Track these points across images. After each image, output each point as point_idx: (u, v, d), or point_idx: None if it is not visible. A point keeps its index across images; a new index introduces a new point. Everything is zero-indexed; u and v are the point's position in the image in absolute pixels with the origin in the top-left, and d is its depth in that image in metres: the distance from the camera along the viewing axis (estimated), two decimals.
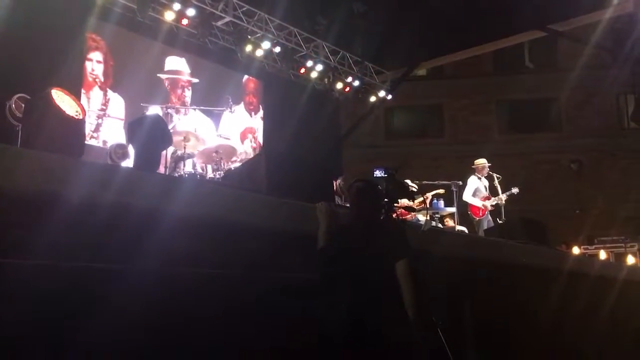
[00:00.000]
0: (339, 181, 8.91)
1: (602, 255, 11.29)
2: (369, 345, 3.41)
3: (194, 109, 11.02)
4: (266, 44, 11.01)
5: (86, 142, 7.98)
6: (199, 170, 9.54)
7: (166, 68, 10.79)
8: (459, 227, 9.70)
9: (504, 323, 5.73)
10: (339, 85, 12.79)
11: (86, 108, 9.05)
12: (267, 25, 10.97)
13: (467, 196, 9.90)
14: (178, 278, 3.46)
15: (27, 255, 2.88)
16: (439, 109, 19.08)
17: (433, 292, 4.26)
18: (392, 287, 3.50)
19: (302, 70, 12.09)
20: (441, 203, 10.23)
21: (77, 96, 8.01)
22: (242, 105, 12.12)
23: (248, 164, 7.00)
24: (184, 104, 10.95)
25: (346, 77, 12.75)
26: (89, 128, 9.14)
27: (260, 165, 5.50)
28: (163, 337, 3.28)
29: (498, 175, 10.15)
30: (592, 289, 7.32)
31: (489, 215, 9.95)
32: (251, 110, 12.35)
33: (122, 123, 9.76)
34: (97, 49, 9.75)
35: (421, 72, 17.09)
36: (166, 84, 10.81)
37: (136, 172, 4.94)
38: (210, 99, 11.32)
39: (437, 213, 10.19)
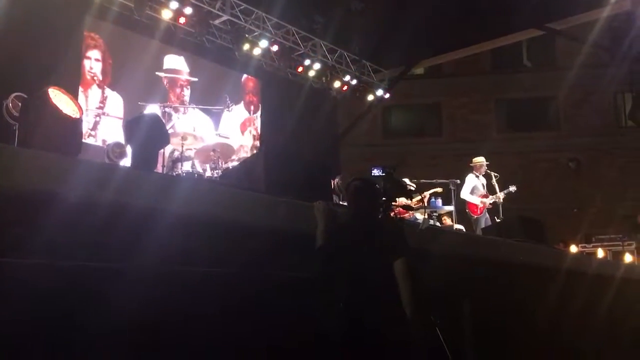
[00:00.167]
0: (336, 180, 8.91)
1: (600, 253, 11.29)
2: (366, 344, 3.41)
3: (193, 108, 11.02)
4: (264, 43, 11.01)
5: (84, 140, 7.98)
6: (197, 170, 9.52)
7: (165, 67, 10.79)
8: (457, 226, 9.71)
9: (502, 321, 5.74)
10: (337, 84, 12.79)
11: (84, 106, 9.05)
12: (264, 24, 10.97)
13: (464, 194, 9.91)
14: (176, 276, 3.46)
15: (25, 255, 2.88)
16: (437, 108, 19.09)
17: (431, 290, 4.26)
18: (390, 285, 3.50)
19: (300, 69, 12.09)
20: (439, 201, 10.25)
21: (74, 95, 7.99)
22: (242, 104, 12.12)
23: (246, 163, 6.99)
24: (182, 102, 10.95)
25: (344, 76, 12.76)
26: (86, 126, 9.13)
27: (258, 164, 5.49)
28: (161, 336, 3.28)
29: (496, 174, 10.15)
30: (590, 287, 7.33)
31: (487, 214, 9.95)
32: (251, 109, 12.35)
33: (120, 122, 9.75)
34: (95, 47, 9.74)
35: (419, 70, 17.07)
36: (165, 83, 10.80)
37: (133, 171, 4.94)
38: (209, 98, 11.31)
39: (435, 211, 10.21)
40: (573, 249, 11.15)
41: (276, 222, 4.11)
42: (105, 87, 9.80)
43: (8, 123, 6.34)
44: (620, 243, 11.79)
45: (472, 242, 7.03)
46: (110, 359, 3.10)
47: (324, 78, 12.45)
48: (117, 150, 8.63)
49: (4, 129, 6.24)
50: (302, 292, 3.79)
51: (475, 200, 9.89)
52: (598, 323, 7.25)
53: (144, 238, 3.26)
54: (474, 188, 9.96)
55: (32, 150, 3.64)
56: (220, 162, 9.72)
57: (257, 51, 11.15)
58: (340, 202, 7.39)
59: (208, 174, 9.51)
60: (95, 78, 9.70)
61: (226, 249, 3.74)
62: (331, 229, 3.74)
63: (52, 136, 4.86)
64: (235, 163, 10.61)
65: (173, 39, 10.43)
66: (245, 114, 12.18)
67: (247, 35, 10.77)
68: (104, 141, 9.29)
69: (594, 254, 11.27)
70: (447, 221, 10.35)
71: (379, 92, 13.61)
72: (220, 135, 11.40)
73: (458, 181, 9.89)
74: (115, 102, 9.90)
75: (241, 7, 10.52)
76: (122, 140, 7.94)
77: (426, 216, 8.73)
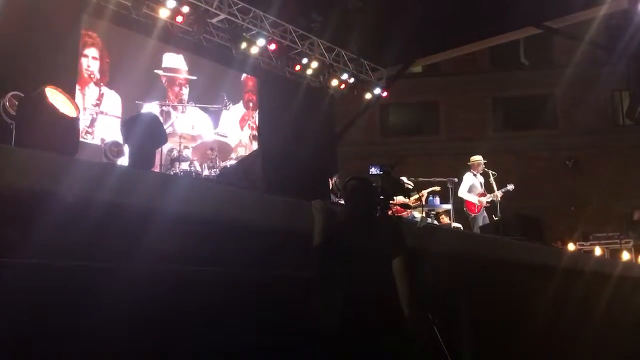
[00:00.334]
0: (334, 179, 8.91)
1: (598, 251, 11.31)
2: (365, 342, 3.41)
3: (192, 106, 11.02)
4: (261, 41, 11.00)
5: (81, 139, 7.96)
6: (194, 168, 9.53)
7: (164, 65, 10.79)
8: (455, 224, 9.72)
9: (500, 319, 5.74)
10: (334, 83, 12.79)
11: (81, 105, 9.04)
12: (262, 23, 10.96)
13: (462, 192, 9.91)
14: (174, 276, 3.45)
15: (21, 254, 2.87)
16: (435, 106, 19.10)
17: (429, 288, 4.26)
18: (387, 284, 3.50)
19: (298, 68, 12.08)
20: (437, 200, 10.26)
21: (71, 93, 7.97)
22: (240, 103, 12.13)
23: (244, 162, 6.98)
24: (181, 101, 10.95)
25: (341, 74, 12.75)
26: (83, 124, 9.12)
27: (256, 162, 5.49)
28: (159, 335, 3.28)
29: (494, 172, 10.16)
30: (587, 285, 7.33)
31: (485, 212, 9.96)
32: (250, 107, 12.35)
33: (118, 120, 9.74)
34: (92, 45, 9.72)
35: (417, 69, 17.08)
36: (164, 81, 10.80)
37: (131, 170, 4.93)
38: (208, 97, 11.32)
39: (433, 210, 10.22)
40: (571, 247, 11.16)
41: (274, 221, 4.11)
42: (102, 85, 9.79)
43: (5, 122, 6.32)
44: (617, 241, 11.82)
45: (470, 241, 7.03)
46: (109, 358, 3.10)
47: (321, 76, 12.45)
48: (114, 149, 8.62)
49: (1, 128, 6.22)
50: (300, 291, 3.78)
51: (472, 198, 9.89)
52: (596, 321, 7.26)
53: (141, 237, 3.26)
54: (471, 186, 9.97)
55: (29, 150, 3.63)
56: (217, 161, 9.73)
57: (254, 50, 11.15)
58: (338, 201, 7.39)
59: (205, 172, 9.51)
60: (92, 76, 9.68)
61: (224, 248, 3.73)
62: (329, 227, 3.73)
63: (49, 135, 4.85)
64: (233, 162, 10.62)
65: (171, 37, 10.41)
66: (244, 110, 12.20)
67: (244, 34, 10.76)
68: (102, 140, 9.28)
69: (592, 251, 11.28)
70: (445, 219, 10.35)
71: (377, 91, 13.60)
72: (218, 134, 11.41)
73: (456, 179, 9.89)
74: (113, 101, 9.89)
75: (238, 6, 10.51)
76: (119, 139, 7.93)
77: (424, 214, 8.73)
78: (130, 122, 6.09)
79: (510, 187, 10.07)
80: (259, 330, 3.70)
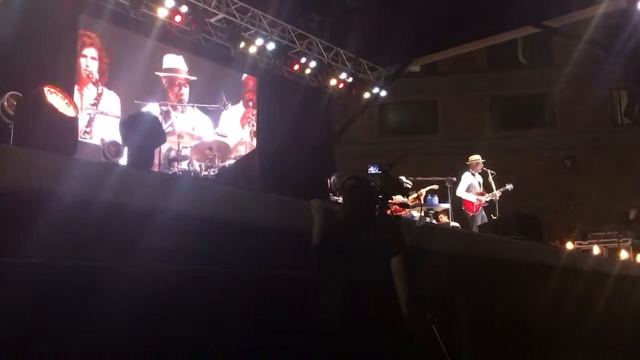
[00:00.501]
0: (332, 178, 8.91)
1: (596, 250, 11.32)
2: (364, 341, 3.41)
3: (192, 107, 11.04)
4: (259, 41, 11.00)
5: (80, 139, 7.96)
6: (193, 168, 9.52)
7: (164, 66, 10.80)
8: (453, 223, 9.73)
9: (499, 318, 5.75)
10: (333, 82, 12.78)
11: (80, 105, 9.03)
12: (260, 22, 10.95)
13: (460, 192, 9.93)
14: (173, 275, 3.46)
15: (20, 254, 2.87)
16: (433, 105, 19.10)
17: (427, 287, 4.27)
18: (386, 283, 3.50)
19: (296, 67, 12.07)
20: (435, 199, 10.27)
21: (70, 93, 7.97)
22: (241, 103, 12.15)
23: (242, 161, 7.00)
24: (181, 101, 10.95)
25: (340, 74, 12.74)
26: (82, 124, 9.11)
27: (254, 162, 5.50)
28: (158, 334, 3.28)
29: (492, 171, 10.17)
30: (586, 284, 7.35)
31: (483, 211, 9.97)
32: (251, 106, 12.37)
33: (117, 120, 9.73)
34: (91, 45, 9.72)
35: (415, 68, 17.07)
36: (164, 82, 10.81)
37: (129, 169, 4.93)
38: (208, 97, 11.33)
39: (432, 209, 10.22)
40: (569, 246, 11.16)
41: (272, 220, 4.12)
42: (101, 85, 9.79)
43: (3, 122, 6.31)
44: (616, 240, 11.83)
45: (469, 240, 7.04)
46: (108, 357, 3.10)
47: (320, 76, 12.43)
48: (113, 148, 8.61)
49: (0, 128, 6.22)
50: (298, 290, 3.79)
51: (471, 197, 9.90)
52: (594, 319, 7.27)
53: (140, 237, 3.26)
54: (470, 186, 9.98)
55: (27, 149, 3.63)
56: (216, 161, 9.73)
57: (253, 49, 11.15)
58: (337, 200, 7.39)
59: (204, 172, 9.51)
60: (91, 76, 9.68)
61: (223, 247, 3.74)
62: (327, 226, 3.74)
63: (47, 135, 4.86)
64: (232, 161, 10.62)
65: (169, 37, 10.41)
66: (244, 109, 12.23)
67: (243, 34, 10.76)
68: (102, 140, 9.26)
69: (590, 250, 11.29)
70: (444, 219, 10.36)
71: (375, 90, 13.60)
72: (218, 134, 11.42)
73: (454, 179, 9.91)
74: (112, 101, 9.88)
75: (237, 5, 10.50)
76: (118, 139, 7.93)
77: (422, 214, 8.74)
78: (129, 122, 6.09)
79: (509, 186, 10.08)
80: (257, 329, 3.71)
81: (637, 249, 11.63)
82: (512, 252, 6.81)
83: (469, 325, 5.43)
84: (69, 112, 5.19)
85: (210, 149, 9.93)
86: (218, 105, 11.49)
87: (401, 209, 7.49)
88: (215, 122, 11.45)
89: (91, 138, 9.47)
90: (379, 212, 3.92)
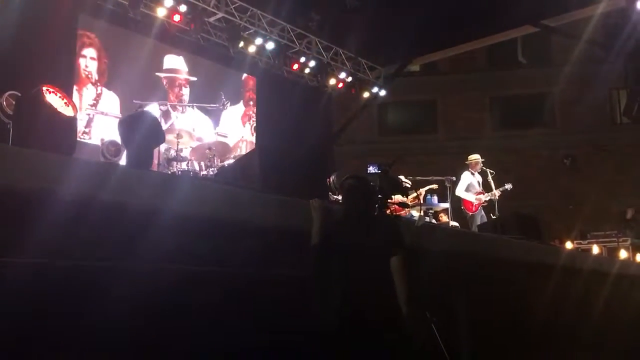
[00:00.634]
0: (332, 178, 8.90)
1: (595, 249, 11.32)
2: (362, 340, 3.41)
3: (192, 107, 11.04)
4: (259, 40, 11.00)
5: (79, 139, 7.96)
6: (192, 168, 9.52)
7: (164, 66, 10.81)
8: (452, 223, 9.73)
9: (498, 318, 5.75)
10: (332, 81, 12.77)
11: (79, 105, 9.03)
12: (259, 22, 10.95)
13: (460, 191, 9.93)
14: (173, 274, 3.45)
15: (20, 254, 2.87)
16: (433, 105, 19.09)
17: (426, 287, 4.27)
18: (386, 282, 3.50)
19: (295, 67, 12.07)
20: (435, 199, 10.27)
21: (69, 93, 7.97)
22: (241, 103, 12.15)
23: (241, 161, 6.98)
24: (181, 102, 10.96)
25: (339, 73, 12.74)
26: (81, 124, 9.11)
27: (253, 161, 5.49)
28: (158, 334, 3.28)
29: (491, 171, 10.18)
30: (585, 283, 7.35)
31: (482, 211, 9.97)
32: (251, 105, 12.38)
33: (117, 120, 9.73)
34: (90, 45, 9.72)
35: (414, 67, 17.06)
36: (164, 82, 10.81)
37: (128, 169, 4.93)
38: (208, 97, 11.34)
39: (431, 209, 10.22)
40: (568, 245, 11.16)
41: (272, 219, 4.11)
42: (101, 85, 9.78)
43: (2, 121, 6.31)
44: (615, 239, 11.82)
45: (468, 239, 7.04)
46: (108, 356, 3.10)
47: (319, 75, 12.42)
48: (112, 148, 8.61)
49: None
50: (298, 290, 3.78)
51: (470, 197, 9.91)
52: (594, 318, 7.27)
53: (140, 236, 3.26)
54: (469, 185, 9.98)
55: (26, 149, 3.63)
56: (215, 160, 9.72)
57: (252, 49, 11.15)
58: (336, 200, 7.39)
59: (203, 172, 9.50)
60: (90, 77, 9.67)
61: (222, 247, 3.73)
62: (327, 226, 3.74)
63: (46, 135, 4.85)
64: (231, 161, 10.62)
65: (169, 37, 10.40)
66: (244, 108, 12.25)
67: (242, 33, 10.75)
68: (102, 140, 9.26)
69: (589, 250, 11.29)
70: (444, 218, 10.36)
71: (375, 90, 13.60)
72: (218, 134, 11.43)
73: (454, 178, 9.91)
74: (112, 101, 9.88)
75: (236, 5, 10.50)
76: (118, 139, 7.93)
77: (422, 213, 8.74)
78: (128, 122, 6.08)
79: (508, 185, 10.08)
80: (257, 328, 3.70)
81: (637, 249, 11.63)
82: (512, 251, 6.81)
83: (468, 325, 5.43)
84: (67, 112, 5.18)
85: (209, 148, 9.93)
86: (217, 105, 11.49)
87: (400, 208, 7.50)
88: (216, 122, 11.47)
89: (90, 138, 9.47)
90: (378, 211, 3.92)
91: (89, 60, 9.68)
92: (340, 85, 12.94)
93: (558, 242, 11.50)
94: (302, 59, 11.96)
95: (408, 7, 10.50)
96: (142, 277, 3.21)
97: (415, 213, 8.70)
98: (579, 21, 12.02)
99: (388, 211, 4.18)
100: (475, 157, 10.19)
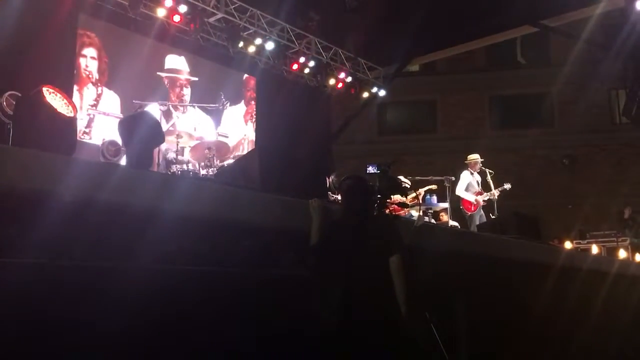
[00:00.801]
0: (331, 178, 8.92)
1: (594, 249, 11.33)
2: (362, 340, 3.42)
3: (193, 107, 11.06)
4: (258, 41, 11.01)
5: (79, 139, 7.96)
6: (192, 168, 9.53)
7: (166, 66, 10.82)
8: (452, 222, 9.74)
9: (497, 318, 5.76)
10: (332, 82, 12.77)
11: (79, 105, 9.03)
12: (259, 22, 10.95)
13: (459, 191, 9.95)
14: (172, 275, 3.46)
15: (20, 254, 2.87)
16: (432, 105, 19.11)
17: (426, 287, 4.28)
18: (385, 283, 3.51)
19: (295, 67, 12.07)
20: (434, 198, 10.28)
21: (69, 93, 7.98)
22: (242, 102, 12.16)
23: (241, 161, 6.99)
24: (182, 102, 10.97)
25: (339, 73, 12.74)
26: (82, 124, 9.11)
27: (253, 161, 5.50)
28: (159, 334, 3.28)
29: (490, 171, 10.20)
30: (584, 283, 7.36)
31: (482, 210, 9.99)
32: (252, 104, 12.40)
33: (117, 120, 9.74)
34: (90, 45, 9.72)
35: (414, 67, 17.09)
36: (165, 82, 10.82)
37: (128, 169, 4.93)
38: (209, 98, 11.35)
39: (431, 208, 10.23)
40: (568, 245, 11.17)
41: (271, 220, 4.12)
42: (101, 85, 9.79)
43: (2, 122, 6.32)
44: (614, 239, 11.84)
45: (467, 239, 7.04)
46: (109, 357, 3.10)
47: (319, 75, 12.43)
48: (112, 148, 8.63)
49: None
50: (297, 290, 3.79)
51: (469, 197, 9.92)
52: (593, 318, 7.28)
53: (140, 237, 3.27)
54: (468, 185, 10.00)
55: (26, 149, 3.63)
56: (215, 160, 9.72)
57: (251, 49, 11.16)
58: (336, 200, 7.40)
59: (203, 172, 9.51)
60: (90, 76, 9.68)
61: (221, 247, 3.74)
62: (326, 226, 3.75)
63: (46, 135, 4.86)
64: (231, 161, 10.62)
65: (168, 37, 10.41)
66: (245, 107, 12.27)
67: (241, 33, 10.76)
68: (103, 140, 9.27)
69: (589, 250, 11.31)
70: (444, 218, 10.37)
71: (374, 90, 13.60)
72: (219, 134, 11.44)
73: (453, 178, 9.92)
74: (112, 101, 9.88)
75: (235, 5, 10.50)
76: (118, 139, 7.93)
77: (421, 213, 8.75)
78: (128, 122, 6.10)
79: (508, 186, 10.10)
80: (257, 328, 3.71)
81: (636, 248, 11.65)
82: (511, 251, 6.82)
83: (467, 324, 5.44)
84: (67, 112, 5.19)
85: (209, 148, 9.93)
86: (217, 105, 11.50)
87: (400, 208, 7.50)
88: (217, 122, 11.48)
89: (90, 138, 9.47)
90: (377, 211, 3.93)
91: (89, 60, 9.69)
92: (340, 85, 12.94)
93: (557, 242, 11.51)
94: (302, 59, 11.96)
95: (408, 7, 10.51)
96: (142, 277, 3.22)
97: (414, 213, 8.71)
98: (578, 21, 12.04)
99: (387, 211, 4.19)
100: (474, 157, 10.20)
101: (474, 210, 9.90)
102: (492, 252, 6.50)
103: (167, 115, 10.60)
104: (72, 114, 5.26)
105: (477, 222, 9.64)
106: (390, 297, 3.48)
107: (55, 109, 5.02)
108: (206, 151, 9.88)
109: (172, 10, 9.78)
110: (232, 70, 11.80)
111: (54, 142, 4.77)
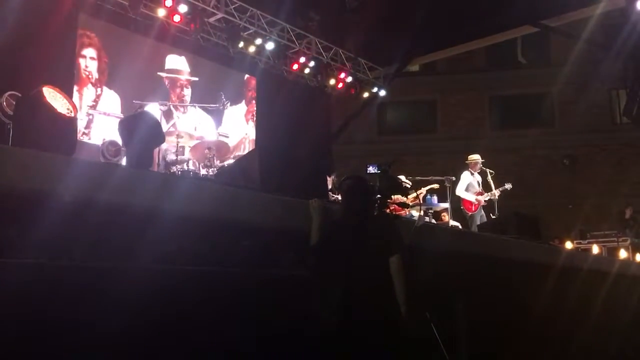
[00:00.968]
0: (332, 178, 8.92)
1: (595, 249, 11.33)
2: (362, 340, 3.42)
3: (194, 107, 11.06)
4: (258, 41, 11.01)
5: (79, 139, 7.96)
6: (192, 168, 9.53)
7: (166, 67, 10.82)
8: (453, 222, 9.74)
9: (497, 318, 5.75)
10: (332, 82, 12.77)
11: (79, 105, 9.03)
12: (259, 22, 10.96)
13: (459, 191, 9.94)
14: (172, 275, 3.46)
15: (19, 254, 2.87)
16: (432, 105, 19.10)
17: (426, 287, 4.28)
18: (385, 282, 3.51)
19: (295, 67, 12.07)
20: (434, 199, 10.28)
21: (69, 93, 7.98)
22: (243, 102, 12.16)
23: (241, 161, 6.98)
24: (182, 102, 10.97)
25: (339, 74, 12.74)
26: (81, 125, 9.11)
27: (253, 161, 5.49)
28: (159, 335, 3.28)
29: (491, 171, 10.19)
30: (585, 283, 7.35)
31: (482, 211, 9.98)
32: (253, 104, 12.40)
33: (118, 120, 9.73)
34: (90, 45, 9.72)
35: (414, 67, 17.08)
36: (166, 83, 10.83)
37: (128, 169, 4.93)
38: (210, 98, 11.35)
39: (431, 208, 10.23)
40: (568, 245, 11.17)
41: (271, 220, 4.12)
42: (101, 85, 9.78)
43: (2, 122, 6.32)
44: (615, 239, 11.83)
45: (468, 239, 7.04)
46: (109, 357, 3.10)
47: (319, 75, 12.43)
48: (112, 148, 8.62)
49: None
50: (297, 290, 3.79)
51: (470, 197, 9.92)
52: (593, 318, 7.28)
53: (140, 237, 3.26)
54: (469, 185, 9.99)
55: (26, 149, 3.63)
56: (215, 160, 9.73)
57: (252, 49, 11.16)
58: (336, 200, 7.39)
59: (203, 172, 9.51)
60: (90, 77, 9.68)
61: (222, 247, 3.74)
62: (326, 226, 3.75)
63: (46, 135, 4.85)
64: (231, 161, 10.63)
65: (169, 37, 10.41)
66: (246, 107, 12.28)
67: (241, 33, 10.76)
68: (103, 140, 9.27)
69: (589, 250, 11.30)
70: (446, 218, 10.37)
71: (374, 90, 13.60)
72: (220, 134, 11.44)
73: (453, 178, 9.92)
74: (112, 101, 9.88)
75: (235, 5, 10.50)
76: (118, 139, 7.93)
77: (422, 213, 8.75)
78: (128, 122, 6.09)
79: (508, 185, 10.09)
80: (257, 328, 3.71)
81: (636, 248, 11.64)
82: (511, 251, 6.81)
83: (467, 324, 5.44)
84: (67, 112, 5.18)
85: (209, 148, 9.93)
86: (217, 105, 11.50)
87: (400, 208, 7.49)
88: (218, 122, 11.48)
89: (90, 138, 9.47)
90: (377, 211, 3.93)
91: (89, 60, 9.68)
92: (340, 85, 12.94)
93: (558, 242, 11.51)
94: (302, 59, 11.96)
95: (408, 7, 10.51)
96: (142, 277, 3.21)
97: (415, 213, 8.70)
98: (578, 21, 12.04)
99: (388, 211, 4.19)
100: (474, 157, 10.20)
101: (475, 211, 9.90)
102: (492, 252, 6.49)
103: (168, 115, 10.61)
104: (72, 114, 5.26)
105: (478, 222, 9.64)
106: (390, 297, 3.48)
107: (55, 109, 5.02)
108: (206, 151, 9.88)
109: (172, 10, 9.78)
110: (233, 70, 11.80)
111: (54, 142, 4.77)
